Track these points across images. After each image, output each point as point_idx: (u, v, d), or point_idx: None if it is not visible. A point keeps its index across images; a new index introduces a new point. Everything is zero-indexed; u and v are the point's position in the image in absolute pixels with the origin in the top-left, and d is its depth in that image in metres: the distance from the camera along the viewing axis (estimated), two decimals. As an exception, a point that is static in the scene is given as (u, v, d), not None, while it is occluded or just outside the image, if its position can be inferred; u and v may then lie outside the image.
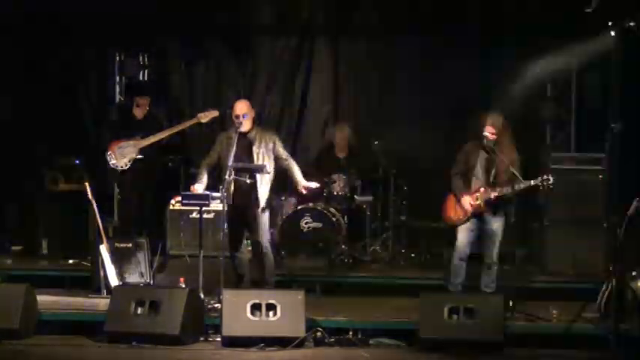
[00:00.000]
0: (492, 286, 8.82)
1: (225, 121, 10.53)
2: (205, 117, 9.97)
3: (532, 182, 8.61)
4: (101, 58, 11.78)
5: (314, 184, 9.40)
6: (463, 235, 8.91)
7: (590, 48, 9.81)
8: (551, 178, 8.56)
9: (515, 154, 8.80)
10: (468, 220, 8.87)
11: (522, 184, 8.62)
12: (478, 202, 8.79)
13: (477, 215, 8.85)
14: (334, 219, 10.51)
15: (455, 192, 8.94)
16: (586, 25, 8.96)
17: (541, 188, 8.67)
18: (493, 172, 8.79)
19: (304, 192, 9.41)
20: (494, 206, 8.78)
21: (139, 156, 10.19)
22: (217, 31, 11.86)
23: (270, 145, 9.10)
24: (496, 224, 8.81)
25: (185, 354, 7.90)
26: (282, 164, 9.18)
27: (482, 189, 8.79)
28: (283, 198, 10.78)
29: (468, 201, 8.83)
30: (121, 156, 10.20)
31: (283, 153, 9.19)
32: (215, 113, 10.03)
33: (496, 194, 8.71)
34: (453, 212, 8.97)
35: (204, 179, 9.09)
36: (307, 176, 11.03)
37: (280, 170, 9.29)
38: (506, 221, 8.89)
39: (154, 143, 10.21)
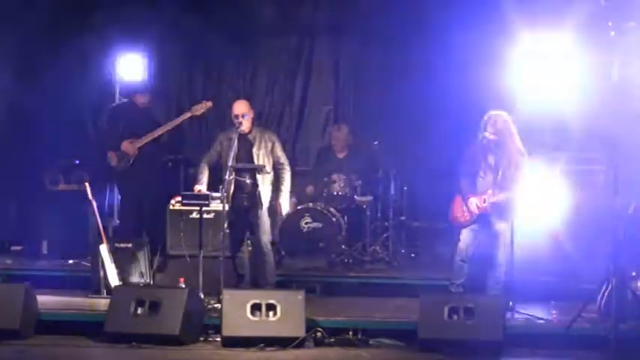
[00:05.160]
0: (498, 287, 8.76)
1: (226, 121, 10.53)
2: (198, 110, 9.92)
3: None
4: (101, 58, 11.78)
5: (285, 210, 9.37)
6: (466, 236, 8.87)
7: None
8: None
9: (519, 156, 8.70)
10: (474, 221, 8.83)
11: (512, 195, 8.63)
12: (485, 205, 8.72)
13: (483, 217, 8.81)
14: (334, 219, 10.51)
15: (462, 193, 8.86)
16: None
17: None
18: (499, 173, 8.71)
19: (277, 208, 9.29)
20: (500, 208, 8.72)
21: (139, 155, 10.19)
22: (217, 30, 11.86)
23: (270, 146, 9.06)
24: (502, 226, 8.73)
25: (185, 354, 7.89)
26: (276, 168, 9.09)
27: (489, 191, 8.71)
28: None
29: (474, 203, 8.74)
30: (122, 156, 10.19)
31: (282, 157, 9.12)
32: (208, 104, 9.96)
33: (502, 198, 8.64)
34: (460, 213, 8.89)
35: (204, 179, 9.08)
36: (307, 177, 11.10)
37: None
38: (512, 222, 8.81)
39: (152, 141, 10.20)
